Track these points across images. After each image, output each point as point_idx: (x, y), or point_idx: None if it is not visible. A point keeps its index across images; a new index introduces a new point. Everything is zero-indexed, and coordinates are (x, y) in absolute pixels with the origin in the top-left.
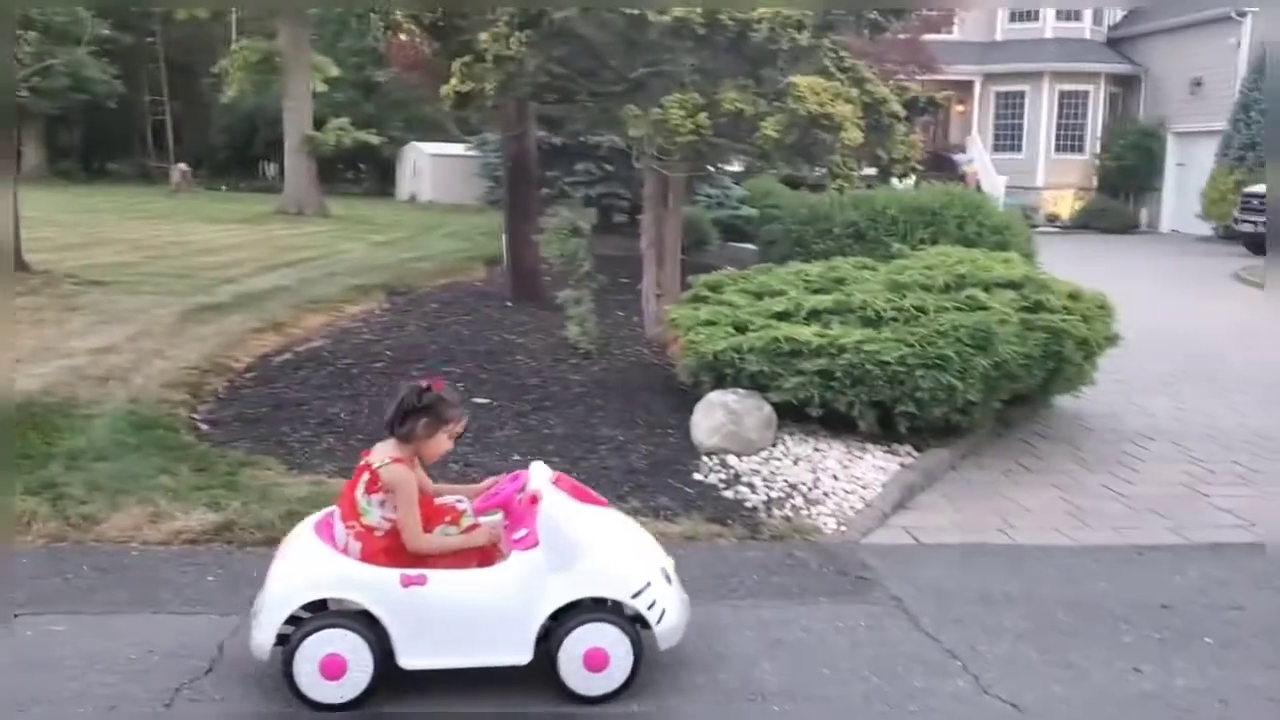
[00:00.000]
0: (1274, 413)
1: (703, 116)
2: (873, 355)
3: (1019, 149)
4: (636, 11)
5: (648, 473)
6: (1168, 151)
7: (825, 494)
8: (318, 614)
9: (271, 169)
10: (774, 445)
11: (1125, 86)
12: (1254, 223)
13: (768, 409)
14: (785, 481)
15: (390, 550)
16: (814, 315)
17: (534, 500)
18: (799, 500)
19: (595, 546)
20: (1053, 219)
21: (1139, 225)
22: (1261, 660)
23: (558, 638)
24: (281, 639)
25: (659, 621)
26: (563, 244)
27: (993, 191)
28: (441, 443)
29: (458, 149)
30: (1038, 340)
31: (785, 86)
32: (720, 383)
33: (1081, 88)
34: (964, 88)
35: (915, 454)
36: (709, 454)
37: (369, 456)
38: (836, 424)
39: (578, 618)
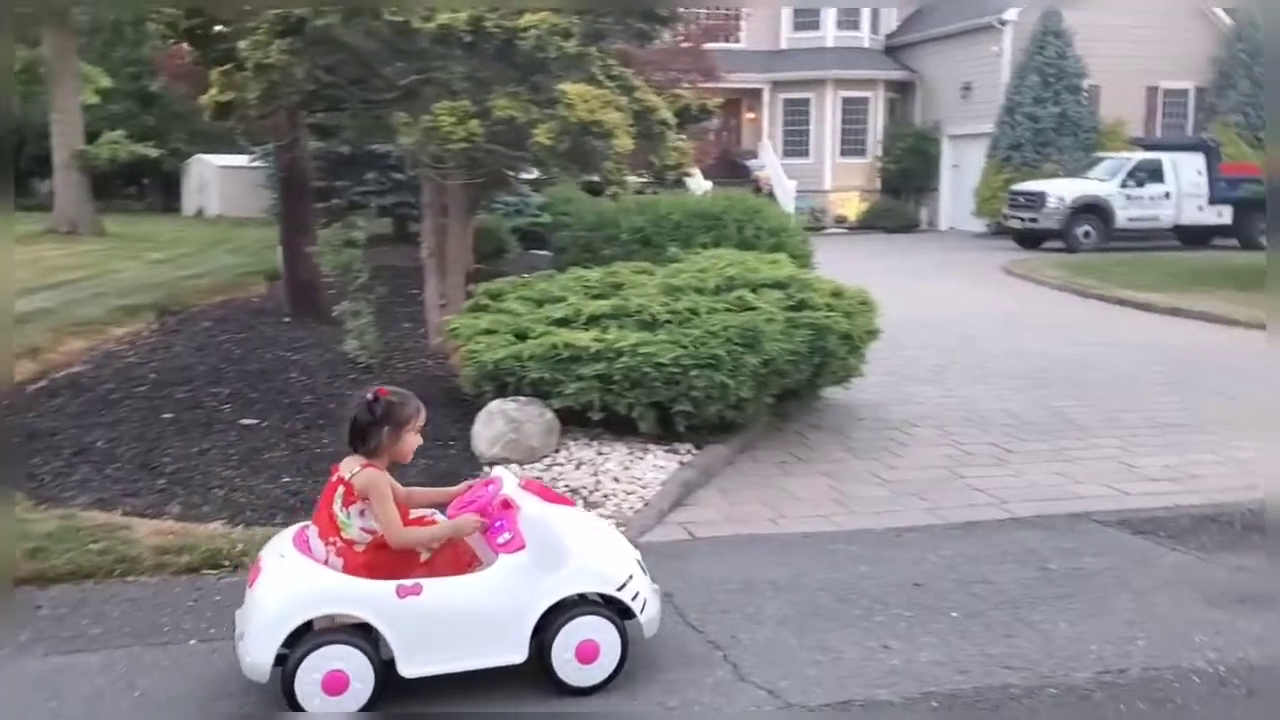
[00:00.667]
0: (1031, 396)
1: (474, 124)
2: (649, 358)
3: (807, 154)
4: (401, 18)
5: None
6: (943, 153)
7: (606, 496)
8: (314, 631)
9: (45, 186)
10: (557, 451)
11: (902, 92)
12: (1020, 218)
13: (549, 416)
14: (566, 486)
15: (371, 564)
16: (593, 320)
17: (507, 505)
18: (579, 504)
19: (580, 544)
20: (841, 220)
21: (920, 224)
22: (1000, 630)
23: (551, 634)
24: (278, 658)
25: (642, 611)
26: (336, 255)
27: (784, 196)
28: (410, 442)
29: (245, 160)
30: (803, 337)
31: (557, 94)
32: (502, 391)
33: (862, 94)
34: (754, 95)
35: (695, 451)
36: (491, 464)
37: (339, 471)
38: (619, 426)
39: (569, 613)
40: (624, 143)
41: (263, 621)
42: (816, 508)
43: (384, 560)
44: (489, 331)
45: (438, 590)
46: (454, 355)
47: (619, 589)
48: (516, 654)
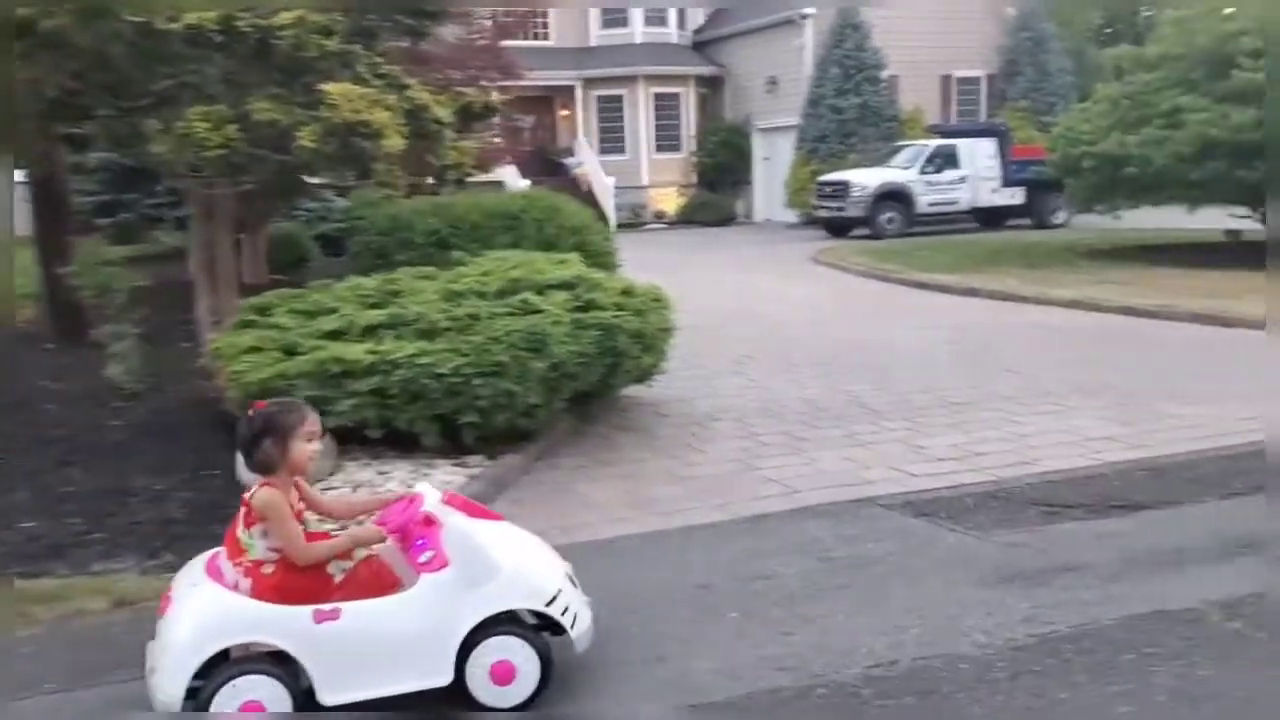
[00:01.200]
0: (830, 382)
1: (232, 129)
2: (428, 368)
3: (623, 150)
4: (142, 19)
5: (188, 522)
6: (754, 147)
7: None
8: (227, 662)
9: None
10: (333, 474)
11: (712, 87)
12: (828, 208)
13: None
14: None
15: (282, 586)
16: (369, 331)
17: (429, 522)
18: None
19: (506, 560)
20: (660, 216)
21: (737, 217)
22: (778, 629)
23: (468, 654)
24: (191, 691)
25: (573, 626)
26: (93, 275)
27: (602, 192)
28: (302, 450)
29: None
30: (591, 338)
31: (321, 95)
32: None
33: (673, 90)
34: (566, 93)
35: (488, 463)
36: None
37: (245, 494)
38: (404, 442)
39: (484, 634)
40: (394, 142)
41: (173, 653)
42: (612, 512)
43: (295, 582)
44: (254, 349)
45: (357, 613)
46: (220, 376)
47: (548, 603)
48: (442, 676)
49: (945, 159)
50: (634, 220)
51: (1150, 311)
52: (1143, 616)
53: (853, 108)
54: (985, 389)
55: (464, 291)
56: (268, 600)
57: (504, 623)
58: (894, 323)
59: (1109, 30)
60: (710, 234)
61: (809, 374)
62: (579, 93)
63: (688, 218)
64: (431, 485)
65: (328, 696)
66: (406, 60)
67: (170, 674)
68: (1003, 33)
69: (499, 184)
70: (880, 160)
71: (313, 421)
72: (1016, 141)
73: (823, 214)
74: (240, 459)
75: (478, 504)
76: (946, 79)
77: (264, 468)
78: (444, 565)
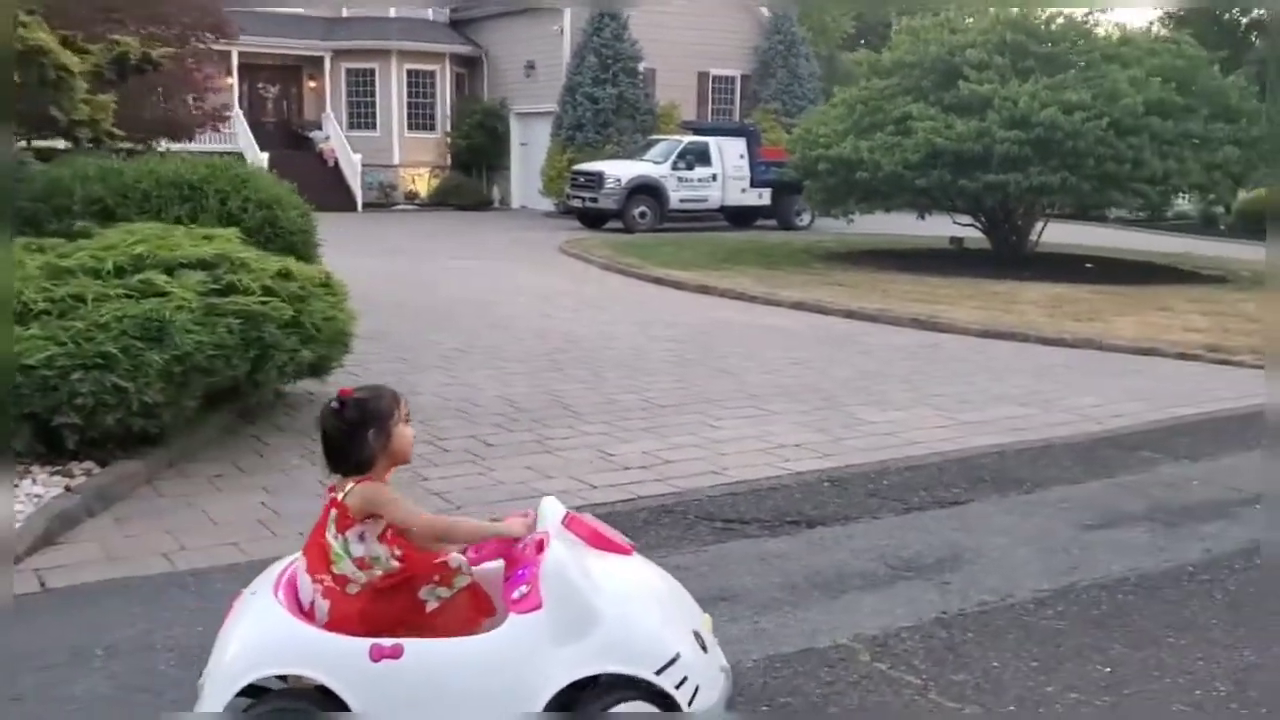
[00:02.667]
0: (539, 379)
1: None
2: (14, 360)
3: (374, 126)
4: None
5: None
6: (511, 131)
7: None
8: (275, 690)
9: None
10: None
11: (469, 67)
12: (582, 198)
13: None
14: None
15: (366, 614)
16: None
17: (540, 547)
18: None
19: (610, 609)
20: (413, 196)
21: (493, 202)
22: None
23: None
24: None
25: (690, 703)
26: None
27: (350, 169)
28: (404, 436)
29: None
30: (230, 326)
31: None
32: None
33: (428, 67)
34: (314, 63)
35: (98, 470)
36: None
37: (334, 494)
38: None
39: (597, 700)
40: None
41: (218, 672)
42: (232, 534)
43: (382, 610)
44: None
45: (422, 654)
46: None
47: (658, 671)
48: None
49: (697, 156)
50: (384, 200)
51: (870, 315)
52: (787, 656)
53: (609, 98)
54: (693, 390)
55: (73, 268)
56: (346, 628)
57: (622, 687)
58: (623, 318)
59: (862, 41)
60: (463, 218)
61: (520, 370)
62: (328, 64)
63: (441, 200)
64: (555, 500)
65: None
66: (90, 7)
67: (212, 693)
68: (758, 34)
69: (239, 155)
70: (635, 154)
71: (405, 405)
72: (766, 143)
73: (576, 204)
74: (329, 459)
75: (608, 530)
76: (704, 76)
77: (365, 464)
78: (536, 606)
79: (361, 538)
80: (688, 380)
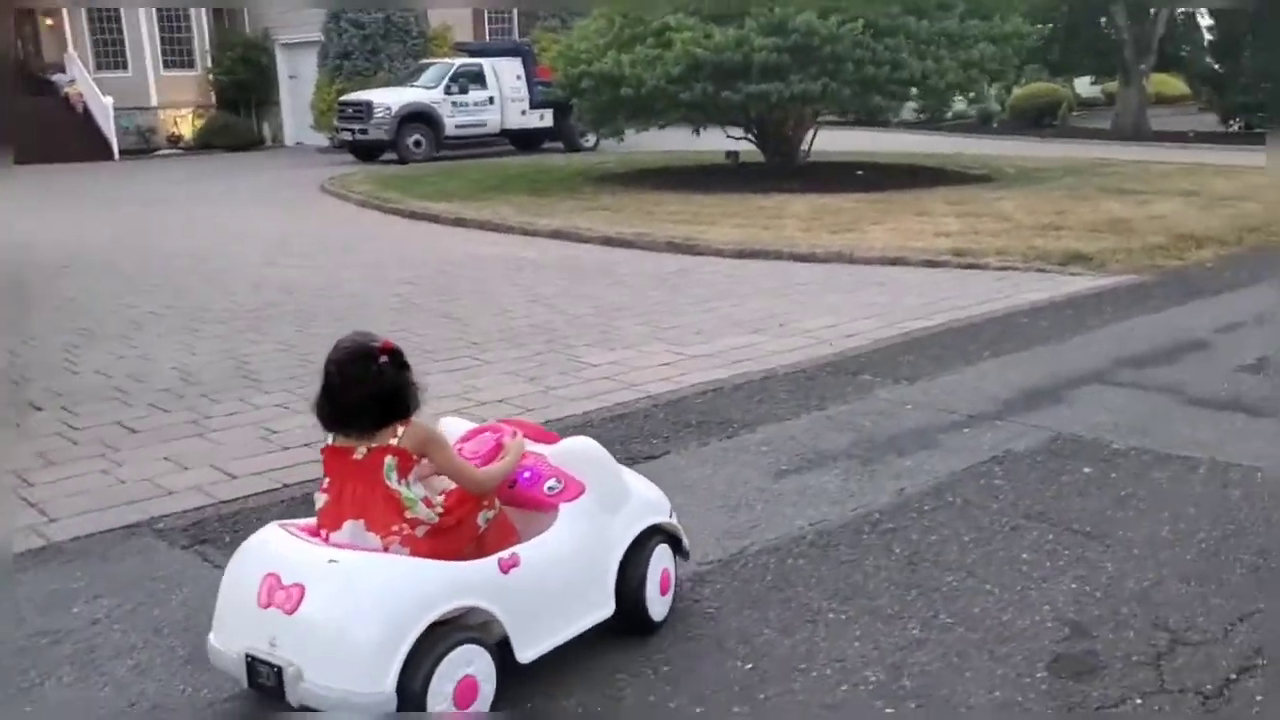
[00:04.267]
0: (233, 342)
1: None
2: None
3: (125, 66)
4: None
5: None
6: (278, 63)
7: None
8: (427, 640)
9: None
10: None
11: None
12: (351, 130)
13: None
14: None
15: (437, 550)
16: None
17: (496, 452)
18: None
19: (629, 476)
20: (176, 140)
21: (264, 140)
22: None
23: (638, 573)
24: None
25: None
26: None
27: (101, 114)
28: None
29: None
30: None
31: None
32: None
33: None
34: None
35: None
36: None
37: (360, 445)
38: None
39: (641, 548)
40: None
41: (367, 645)
42: None
43: (452, 541)
44: None
45: (530, 556)
46: None
47: (670, 515)
48: (606, 608)
49: (471, 79)
50: (144, 146)
51: (628, 241)
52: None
53: (376, 22)
54: (410, 342)
55: None
56: None
57: (652, 535)
58: (359, 259)
59: None
60: (231, 161)
61: (216, 333)
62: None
63: (208, 142)
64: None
65: (524, 652)
66: None
67: (370, 671)
68: None
69: None
70: (405, 80)
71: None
72: (544, 62)
73: (346, 137)
74: (378, 411)
75: (537, 426)
76: None
77: (407, 410)
78: (580, 490)
79: (419, 479)
80: (408, 329)
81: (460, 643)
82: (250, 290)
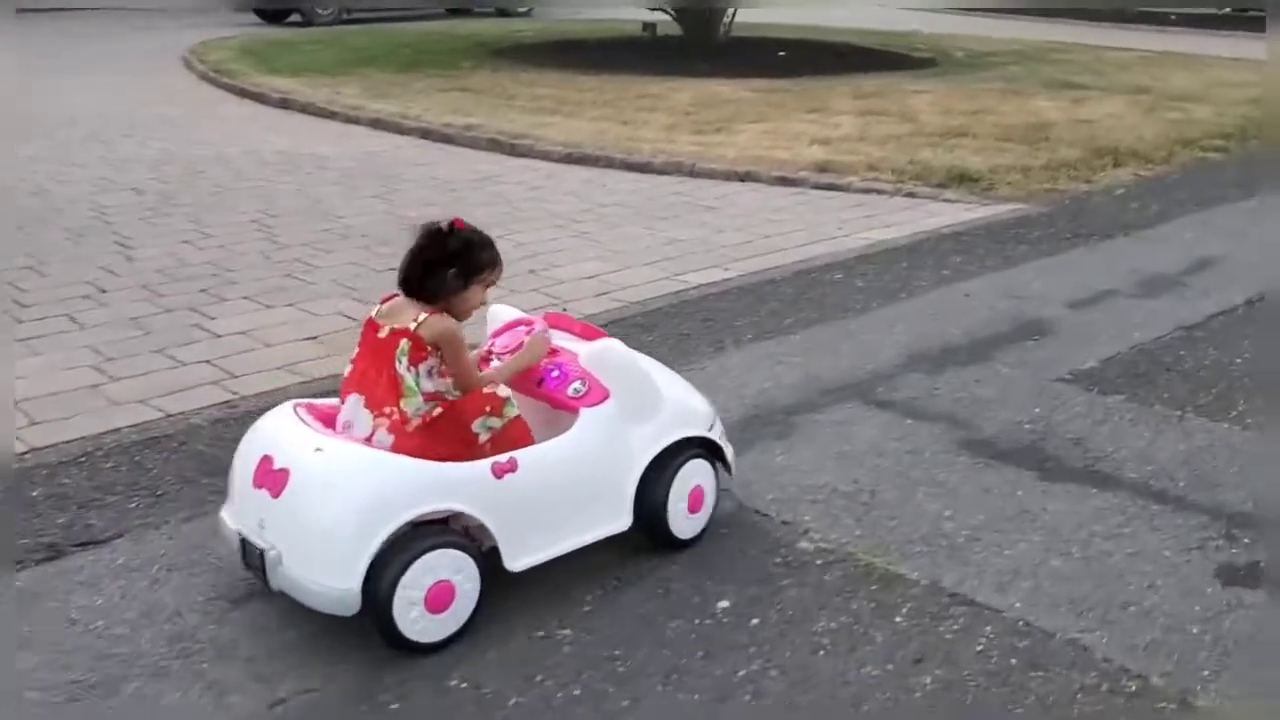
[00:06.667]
0: None
1: None
2: None
3: None
4: None
5: None
6: None
7: None
8: (403, 540)
9: None
10: None
11: None
12: None
13: None
14: None
15: (425, 446)
16: None
17: (552, 350)
18: None
19: (666, 384)
20: None
21: None
22: None
23: (662, 488)
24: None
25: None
26: None
27: None
28: (475, 297)
29: None
30: None
31: None
32: None
33: None
34: None
35: None
36: None
37: (388, 323)
38: None
39: (672, 460)
40: None
41: (340, 536)
42: None
43: (439, 444)
44: None
45: (533, 462)
46: None
47: (709, 428)
48: (622, 520)
49: None
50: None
51: (448, 135)
52: None
53: None
54: (54, 292)
55: None
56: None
57: (687, 447)
58: (122, 153)
59: None
60: (127, 19)
61: None
62: None
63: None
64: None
65: (514, 561)
66: None
67: (338, 563)
68: None
69: None
70: None
71: (498, 271)
72: None
73: None
74: (404, 270)
75: (583, 322)
76: None
77: (433, 294)
78: (604, 396)
79: (430, 373)
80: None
81: (438, 546)
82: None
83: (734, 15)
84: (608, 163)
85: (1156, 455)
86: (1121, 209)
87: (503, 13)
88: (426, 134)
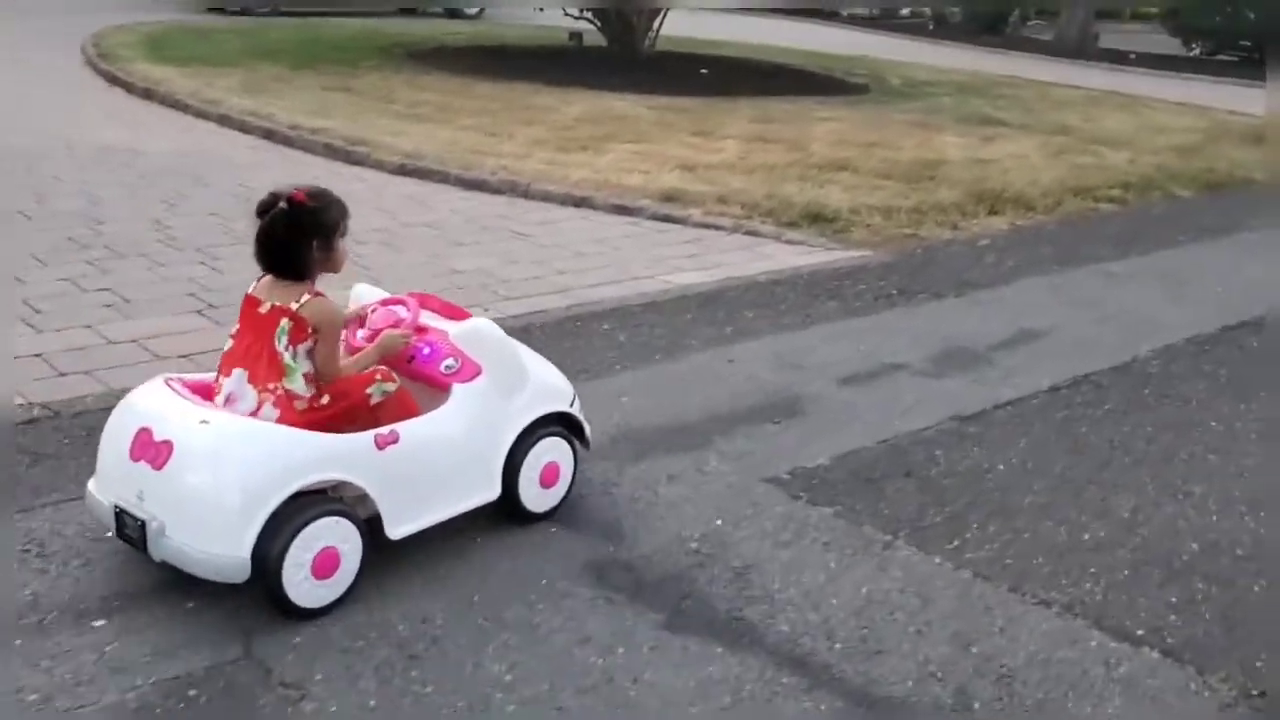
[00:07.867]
0: None
1: None
2: None
3: None
4: None
5: None
6: None
7: None
8: (289, 508)
9: None
10: None
11: None
12: None
13: None
14: None
15: (314, 422)
16: None
17: (420, 329)
18: None
19: (530, 361)
20: None
21: None
22: None
23: (518, 460)
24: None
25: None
26: None
27: None
28: (341, 249)
29: None
30: None
31: None
32: None
33: None
34: None
35: None
36: None
37: (267, 300)
38: None
39: (532, 434)
40: None
41: (227, 508)
42: None
43: (319, 416)
44: None
45: (412, 434)
46: None
47: (571, 404)
48: (491, 490)
49: None
50: None
51: (287, 138)
52: None
53: None
54: None
55: None
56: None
57: (547, 423)
58: None
59: None
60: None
61: None
62: None
63: None
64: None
65: (395, 529)
66: None
67: (228, 534)
68: None
69: None
70: None
71: (349, 218)
72: None
73: None
74: (267, 258)
75: (449, 302)
76: None
77: (304, 271)
78: (476, 373)
79: (310, 352)
80: None
81: (324, 514)
82: None
83: (659, 28)
84: (442, 178)
85: (828, 600)
86: (973, 263)
87: (453, 14)
88: (269, 134)
